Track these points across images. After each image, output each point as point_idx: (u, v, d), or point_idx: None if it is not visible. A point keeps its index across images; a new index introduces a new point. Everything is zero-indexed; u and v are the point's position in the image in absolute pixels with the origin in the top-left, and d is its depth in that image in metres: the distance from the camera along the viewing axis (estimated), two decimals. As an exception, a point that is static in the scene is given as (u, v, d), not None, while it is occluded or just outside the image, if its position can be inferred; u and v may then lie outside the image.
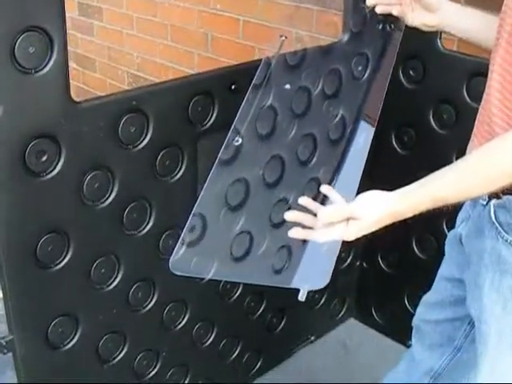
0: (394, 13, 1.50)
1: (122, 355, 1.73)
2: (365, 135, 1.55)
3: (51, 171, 1.38)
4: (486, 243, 1.26)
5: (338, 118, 1.57)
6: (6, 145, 1.30)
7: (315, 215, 1.20)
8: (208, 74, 1.74)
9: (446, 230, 1.97)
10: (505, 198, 1.21)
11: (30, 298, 1.47)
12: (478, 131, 1.27)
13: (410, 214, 1.14)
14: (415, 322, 1.63)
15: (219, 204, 1.34)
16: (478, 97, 1.34)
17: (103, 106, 1.48)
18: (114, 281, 1.62)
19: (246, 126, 1.37)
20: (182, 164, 1.65)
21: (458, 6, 1.47)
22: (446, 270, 1.50)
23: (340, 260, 1.33)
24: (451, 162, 1.18)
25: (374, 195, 1.17)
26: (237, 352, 2.08)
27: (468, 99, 1.87)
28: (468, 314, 1.40)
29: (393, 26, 1.59)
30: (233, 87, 1.66)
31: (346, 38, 1.84)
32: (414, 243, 2.17)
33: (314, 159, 1.53)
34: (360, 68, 1.62)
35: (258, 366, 2.19)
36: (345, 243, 1.22)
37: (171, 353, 1.86)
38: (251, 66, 1.49)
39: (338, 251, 1.29)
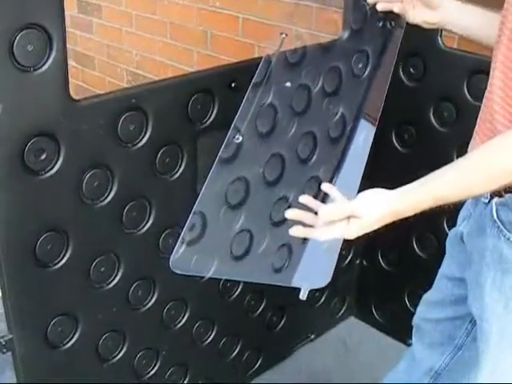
0: (395, 10, 1.49)
1: (121, 354, 1.73)
2: (365, 134, 1.54)
3: (50, 169, 1.38)
4: (488, 242, 1.25)
5: (338, 116, 1.56)
6: (4, 143, 1.29)
7: (316, 213, 1.19)
8: (208, 71, 1.74)
9: (446, 229, 1.97)
10: (507, 196, 1.21)
11: (30, 296, 1.47)
12: (480, 129, 1.26)
13: (411, 213, 1.14)
14: (415, 320, 1.63)
15: (219, 202, 1.34)
16: (478, 94, 1.34)
17: (102, 104, 1.47)
18: (113, 279, 1.62)
19: (246, 125, 1.36)
20: (181, 162, 1.64)
21: (458, 3, 1.47)
22: (446, 268, 1.50)
23: (340, 258, 1.32)
24: (452, 159, 1.18)
25: (376, 193, 1.16)
26: (237, 350, 2.08)
27: (468, 97, 1.86)
28: (469, 313, 1.39)
29: (393, 23, 1.58)
30: (232, 85, 1.65)
31: (346, 35, 1.83)
32: (414, 241, 2.17)
33: (314, 157, 1.52)
34: (360, 65, 1.61)
35: (257, 365, 2.18)
36: (345, 241, 1.21)
37: (171, 351, 1.86)
38: (251, 63, 1.49)
39: (339, 250, 1.28)
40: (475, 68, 1.80)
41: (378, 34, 1.61)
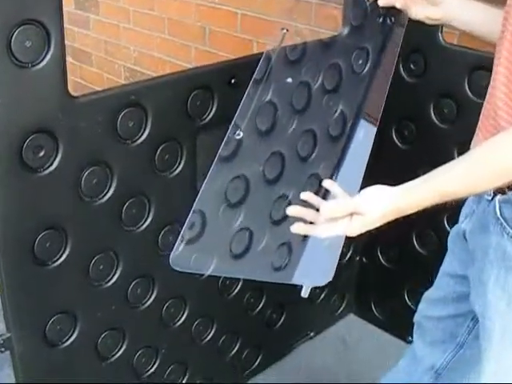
0: (398, 6, 1.48)
1: (120, 352, 1.72)
2: (366, 132, 1.53)
3: (49, 167, 1.37)
4: (491, 239, 1.24)
5: (337, 114, 1.56)
6: (2, 140, 1.28)
7: (317, 210, 1.18)
8: (207, 67, 1.72)
9: (446, 226, 1.97)
10: (510, 193, 1.20)
11: (28, 295, 1.46)
12: (483, 125, 1.25)
13: (414, 210, 1.13)
14: (417, 318, 1.62)
15: (219, 201, 1.33)
16: (479, 91, 1.33)
17: (101, 101, 1.46)
18: (112, 277, 1.61)
19: (246, 122, 1.35)
20: (180, 159, 1.63)
21: (461, -2, 1.46)
22: (448, 266, 1.49)
23: (340, 255, 1.32)
24: (452, 156, 1.17)
25: (378, 190, 1.15)
26: (236, 348, 2.08)
27: (469, 93, 1.86)
28: (471, 310, 1.39)
29: (394, 19, 1.57)
30: (232, 81, 1.64)
31: (345, 31, 1.82)
32: (414, 238, 2.17)
33: (314, 155, 1.51)
34: (360, 62, 1.60)
35: (257, 362, 2.18)
36: (346, 239, 1.20)
37: (170, 349, 1.85)
38: (250, 60, 1.48)
39: (341, 247, 1.27)
40: (476, 64, 1.79)
41: (379, 31, 1.60)
